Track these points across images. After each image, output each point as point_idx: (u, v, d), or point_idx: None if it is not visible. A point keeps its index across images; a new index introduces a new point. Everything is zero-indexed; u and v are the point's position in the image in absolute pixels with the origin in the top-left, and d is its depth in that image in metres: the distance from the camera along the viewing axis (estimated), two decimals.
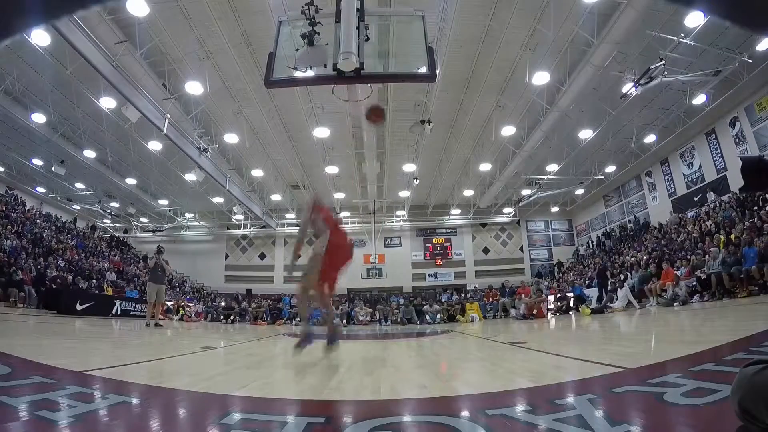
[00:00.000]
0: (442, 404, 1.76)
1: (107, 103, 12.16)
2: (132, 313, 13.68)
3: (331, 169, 17.35)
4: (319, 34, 4.28)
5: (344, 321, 15.58)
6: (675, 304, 9.25)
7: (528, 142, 14.50)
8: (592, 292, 13.35)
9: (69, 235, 18.23)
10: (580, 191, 20.84)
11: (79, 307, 11.47)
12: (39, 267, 13.10)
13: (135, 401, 1.75)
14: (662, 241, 14.26)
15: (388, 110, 13.53)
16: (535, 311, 12.17)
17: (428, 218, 23.69)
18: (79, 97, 12.62)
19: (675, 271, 10.57)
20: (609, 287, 12.31)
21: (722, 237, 10.40)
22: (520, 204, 21.22)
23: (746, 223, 10.30)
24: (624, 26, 9.17)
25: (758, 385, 0.94)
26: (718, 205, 13.24)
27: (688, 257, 10.92)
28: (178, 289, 20.30)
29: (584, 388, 1.91)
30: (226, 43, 10.50)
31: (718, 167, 14.10)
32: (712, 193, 14.37)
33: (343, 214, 22.91)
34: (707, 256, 10.14)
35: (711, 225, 12.22)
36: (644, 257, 13.39)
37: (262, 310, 17.27)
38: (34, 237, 15.01)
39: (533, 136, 14.05)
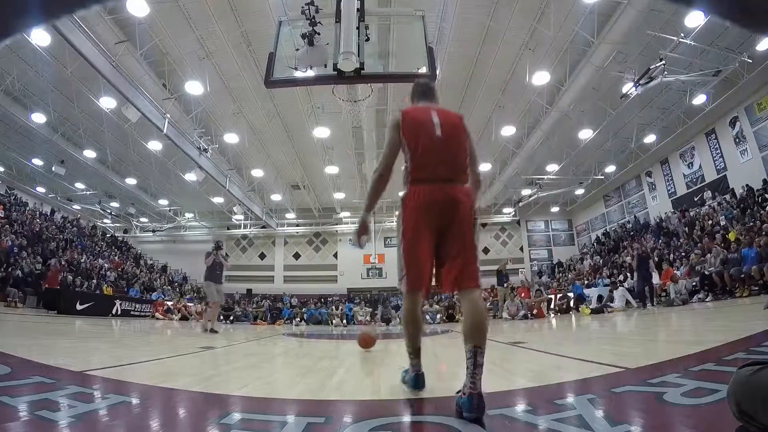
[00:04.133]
0: (442, 404, 1.76)
1: (107, 103, 12.16)
2: (132, 313, 13.69)
3: (331, 169, 17.35)
4: (319, 34, 4.28)
5: (344, 321, 15.59)
6: (675, 303, 9.25)
7: (528, 142, 14.50)
8: (593, 292, 13.32)
9: (70, 234, 18.21)
10: (580, 191, 20.84)
11: (79, 307, 11.47)
12: (38, 267, 13.09)
13: (135, 401, 1.75)
14: (663, 240, 14.26)
15: (387, 111, 13.55)
16: (535, 311, 12.15)
17: None
18: (79, 97, 12.61)
19: (674, 271, 10.56)
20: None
21: (732, 234, 10.40)
22: (520, 204, 21.22)
23: (747, 223, 10.31)
24: (624, 26, 9.17)
25: (755, 386, 0.94)
26: (718, 205, 13.24)
27: (688, 257, 10.93)
28: (178, 290, 20.29)
29: (584, 388, 1.91)
30: (226, 43, 10.50)
31: (718, 167, 14.10)
32: (709, 192, 14.37)
33: (343, 214, 22.93)
34: (708, 255, 10.15)
35: (711, 225, 12.23)
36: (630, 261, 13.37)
37: (262, 310, 17.26)
38: (56, 238, 15.00)
39: (533, 136, 14.05)
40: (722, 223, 11.86)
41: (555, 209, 23.35)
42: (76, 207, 21.62)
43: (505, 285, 13.16)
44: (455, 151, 2.01)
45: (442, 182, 1.96)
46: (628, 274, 12.74)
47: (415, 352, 2.07)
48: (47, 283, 12.04)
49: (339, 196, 20.44)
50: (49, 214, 18.93)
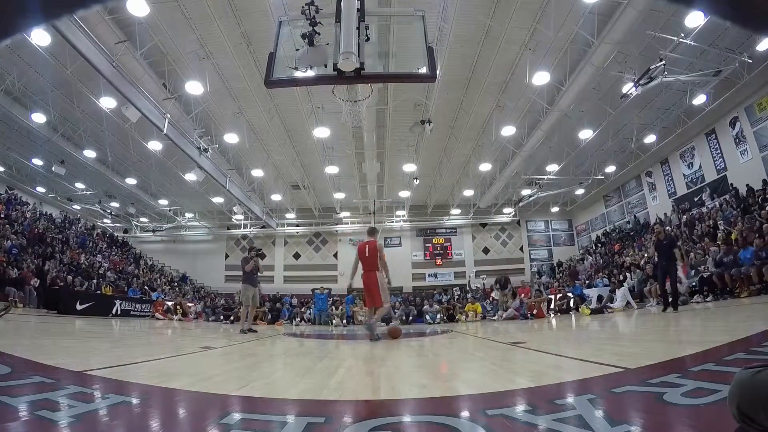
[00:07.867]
0: (442, 404, 1.76)
1: (107, 103, 12.16)
2: (132, 313, 13.69)
3: (331, 169, 17.36)
4: (319, 34, 4.27)
5: (344, 321, 15.58)
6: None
7: (528, 142, 14.50)
8: (593, 292, 13.31)
9: (70, 232, 18.21)
10: (580, 191, 20.84)
11: (79, 307, 11.47)
12: (38, 266, 13.09)
13: (135, 401, 1.75)
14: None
15: (387, 111, 13.56)
16: (535, 311, 12.16)
17: (428, 218, 23.70)
18: (79, 97, 12.61)
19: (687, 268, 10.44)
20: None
21: (734, 234, 10.38)
22: (520, 204, 21.23)
23: (746, 223, 10.30)
24: (624, 26, 9.18)
25: (756, 388, 0.94)
26: (718, 205, 13.23)
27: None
28: (178, 289, 20.29)
29: (584, 388, 1.91)
30: (226, 43, 10.51)
31: (718, 167, 14.10)
32: (709, 190, 14.37)
33: (343, 214, 22.96)
34: (707, 256, 10.14)
35: (709, 226, 12.22)
36: (645, 256, 13.37)
37: (262, 310, 17.23)
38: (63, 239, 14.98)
39: (533, 136, 14.05)
40: (721, 226, 11.84)
41: (555, 209, 23.36)
42: (76, 207, 21.63)
43: (508, 289, 13.30)
44: (373, 260, 6.14)
45: (368, 271, 6.18)
46: (627, 275, 12.72)
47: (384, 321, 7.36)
48: (24, 283, 11.98)
49: (339, 196, 20.44)
50: (47, 215, 18.93)
